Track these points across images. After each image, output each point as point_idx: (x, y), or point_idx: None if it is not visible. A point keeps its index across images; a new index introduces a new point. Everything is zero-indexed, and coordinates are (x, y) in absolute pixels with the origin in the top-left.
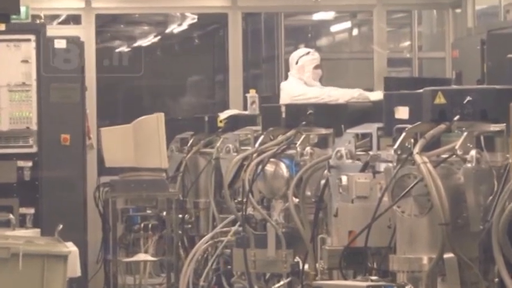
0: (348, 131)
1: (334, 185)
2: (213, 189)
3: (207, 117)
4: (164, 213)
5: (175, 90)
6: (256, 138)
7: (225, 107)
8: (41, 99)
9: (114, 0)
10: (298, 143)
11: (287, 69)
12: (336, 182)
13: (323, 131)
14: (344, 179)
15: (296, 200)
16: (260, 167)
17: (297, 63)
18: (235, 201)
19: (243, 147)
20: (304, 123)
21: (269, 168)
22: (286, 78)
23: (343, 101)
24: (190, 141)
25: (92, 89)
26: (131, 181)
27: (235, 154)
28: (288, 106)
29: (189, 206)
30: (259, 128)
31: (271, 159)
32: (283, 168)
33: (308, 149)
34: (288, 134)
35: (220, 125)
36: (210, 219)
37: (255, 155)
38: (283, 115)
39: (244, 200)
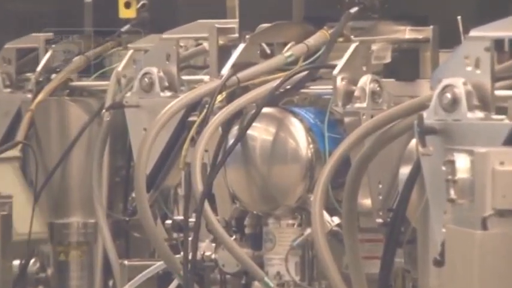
0: (474, 32)
1: (434, 179)
2: (106, 190)
3: None
4: None
5: None
6: (224, 51)
7: None
8: None
9: None
10: (339, 66)
11: None
12: (442, 170)
13: (406, 32)
14: (462, 162)
15: (333, 221)
16: (235, 129)
17: None
18: (168, 223)
19: (186, 77)
20: (355, 10)
21: (260, 133)
22: None
23: None
24: (45, 59)
25: None
26: None
27: (166, 95)
28: None
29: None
30: (233, 22)
31: (266, 110)
32: (298, 132)
33: (366, 80)
34: (311, 40)
35: (125, 13)
36: (98, 271)
37: (219, 98)
38: None
39: (193, 220)
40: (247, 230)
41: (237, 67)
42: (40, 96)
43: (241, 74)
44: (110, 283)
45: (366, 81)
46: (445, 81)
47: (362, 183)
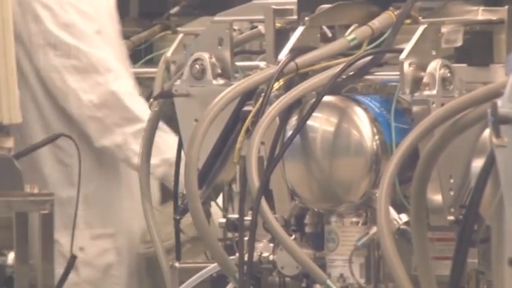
0: None
1: (509, 173)
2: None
3: None
4: (10, 258)
5: None
6: (281, 35)
7: None
8: None
9: None
10: (407, 50)
11: None
12: None
13: (479, 12)
14: None
15: (401, 218)
16: (294, 120)
17: None
18: (222, 221)
19: (240, 63)
20: None
21: (320, 124)
22: None
23: None
24: None
25: None
26: None
27: (219, 83)
28: None
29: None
30: (291, 2)
31: (327, 99)
32: (363, 123)
33: (436, 65)
34: (376, 22)
35: None
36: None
37: (276, 86)
38: None
39: (249, 218)
40: (307, 229)
41: (296, 52)
42: None
43: (300, 60)
44: None
45: (435, 66)
46: None
47: (432, 178)
